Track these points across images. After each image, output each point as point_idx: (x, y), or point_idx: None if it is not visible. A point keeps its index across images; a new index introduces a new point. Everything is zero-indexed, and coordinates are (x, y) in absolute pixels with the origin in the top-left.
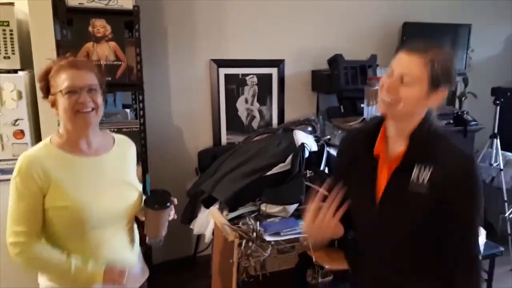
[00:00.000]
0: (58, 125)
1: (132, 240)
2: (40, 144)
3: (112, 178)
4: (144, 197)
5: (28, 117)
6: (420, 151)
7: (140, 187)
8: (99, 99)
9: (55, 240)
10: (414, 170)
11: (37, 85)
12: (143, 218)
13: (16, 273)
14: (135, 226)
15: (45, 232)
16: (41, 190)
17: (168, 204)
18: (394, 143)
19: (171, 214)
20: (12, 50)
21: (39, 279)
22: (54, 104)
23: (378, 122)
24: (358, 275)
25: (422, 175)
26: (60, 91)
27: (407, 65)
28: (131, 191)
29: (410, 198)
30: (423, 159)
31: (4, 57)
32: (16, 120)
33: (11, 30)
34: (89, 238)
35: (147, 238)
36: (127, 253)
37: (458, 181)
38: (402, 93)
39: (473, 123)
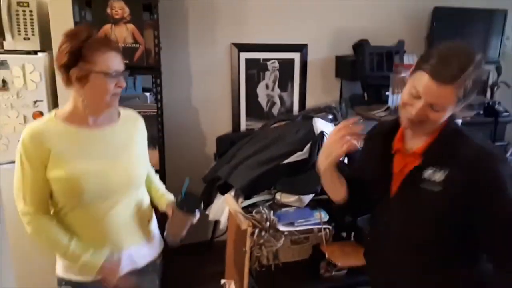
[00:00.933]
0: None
1: (142, 213)
2: (45, 117)
3: (114, 151)
4: (178, 198)
5: (47, 99)
6: (440, 152)
7: (147, 159)
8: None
9: (62, 214)
10: (427, 170)
11: (64, 55)
12: (163, 209)
13: (33, 271)
14: (148, 202)
15: (52, 205)
16: (42, 162)
17: (196, 212)
18: (412, 139)
19: (195, 219)
20: (32, 31)
21: (56, 266)
22: (81, 79)
23: (397, 120)
24: (373, 264)
25: (437, 173)
26: (106, 72)
27: (437, 96)
28: (134, 163)
29: (422, 196)
30: (442, 161)
31: (24, 38)
32: (35, 102)
33: (31, 11)
34: (92, 210)
35: (165, 234)
36: (136, 226)
37: (477, 176)
38: (432, 117)
39: (505, 114)
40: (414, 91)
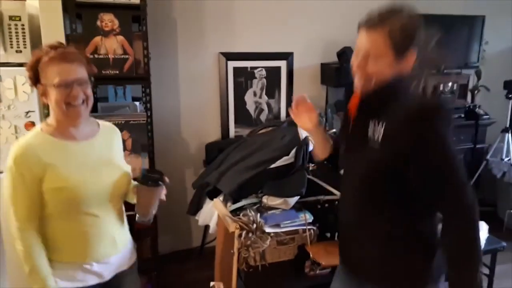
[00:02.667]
0: (47, 115)
1: (122, 221)
2: (31, 132)
3: (100, 160)
4: (139, 177)
5: (39, 109)
6: (372, 104)
7: (128, 169)
8: (89, 91)
9: (50, 222)
10: (369, 125)
11: (26, 73)
12: (133, 201)
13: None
14: (124, 210)
15: (40, 213)
16: (36, 176)
17: (160, 182)
18: None
19: (163, 193)
20: (24, 44)
21: None
22: (44, 94)
23: None
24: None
25: (376, 131)
26: (53, 84)
27: (369, 41)
28: (118, 172)
29: (367, 153)
30: (375, 114)
31: (16, 51)
32: (27, 112)
33: (22, 25)
34: (82, 218)
35: (136, 216)
36: (116, 233)
37: (412, 129)
38: (370, 70)
39: (485, 117)
40: (356, 50)
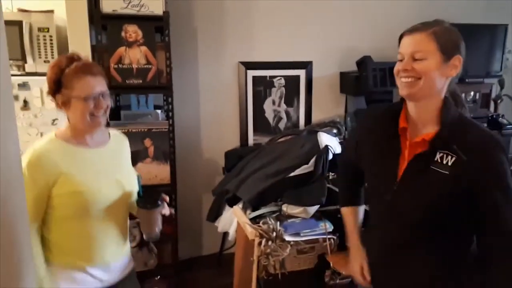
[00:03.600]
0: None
1: (125, 231)
2: (45, 138)
3: (112, 167)
4: (136, 198)
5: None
6: (447, 139)
7: (135, 176)
8: (109, 101)
9: (57, 224)
10: (437, 154)
11: (48, 83)
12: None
13: None
14: (128, 221)
15: (50, 215)
16: (48, 182)
17: (159, 203)
18: (421, 125)
19: (164, 210)
20: (51, 55)
21: None
22: (65, 104)
23: (401, 102)
24: (369, 246)
25: (445, 159)
26: (81, 97)
27: (414, 43)
28: (128, 180)
29: (431, 176)
30: (450, 146)
31: (44, 61)
32: (54, 120)
33: (50, 36)
34: (90, 222)
35: (143, 234)
36: (120, 241)
37: (481, 158)
38: (418, 68)
39: (508, 126)
40: (400, 56)
